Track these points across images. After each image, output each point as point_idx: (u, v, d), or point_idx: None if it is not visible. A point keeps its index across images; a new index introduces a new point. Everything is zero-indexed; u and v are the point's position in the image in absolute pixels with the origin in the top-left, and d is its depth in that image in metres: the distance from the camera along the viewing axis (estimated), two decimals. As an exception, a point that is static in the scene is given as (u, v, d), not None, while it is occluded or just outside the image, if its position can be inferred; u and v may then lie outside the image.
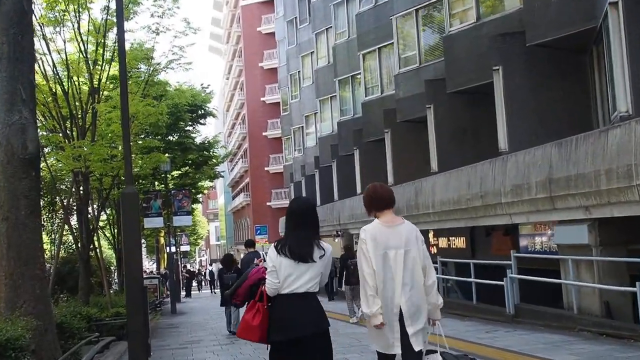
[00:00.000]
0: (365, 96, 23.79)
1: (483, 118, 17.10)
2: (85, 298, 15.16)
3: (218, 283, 20.36)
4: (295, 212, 4.38)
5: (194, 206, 42.16)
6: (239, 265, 14.13)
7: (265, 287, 4.24)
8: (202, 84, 28.52)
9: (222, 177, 38.46)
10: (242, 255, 15.36)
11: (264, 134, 56.76)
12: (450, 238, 19.10)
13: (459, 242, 18.68)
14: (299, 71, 37.02)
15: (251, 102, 58.18)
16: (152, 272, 54.54)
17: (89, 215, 16.41)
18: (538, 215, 11.82)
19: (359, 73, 24.72)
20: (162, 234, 35.77)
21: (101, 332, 13.16)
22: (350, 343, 10.58)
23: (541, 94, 13.63)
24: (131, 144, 16.28)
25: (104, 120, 16.76)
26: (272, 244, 4.40)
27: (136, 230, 7.44)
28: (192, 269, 58.77)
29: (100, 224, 26.49)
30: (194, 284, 48.79)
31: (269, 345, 4.28)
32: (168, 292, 30.07)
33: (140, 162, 20.76)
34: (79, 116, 15.84)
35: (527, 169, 11.76)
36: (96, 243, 16.14)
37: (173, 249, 33.72)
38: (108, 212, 24.93)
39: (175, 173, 27.86)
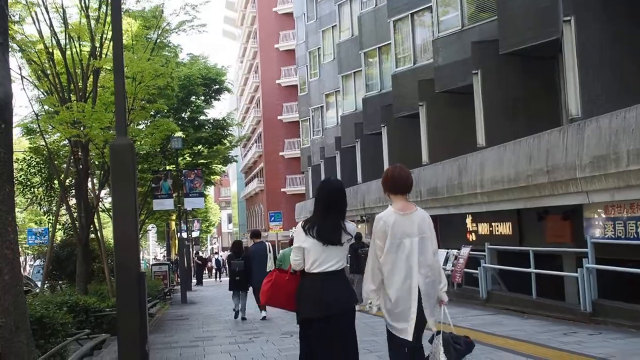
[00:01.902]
0: (396, 67, 21.62)
1: (538, 85, 15.00)
2: (83, 285, 13.25)
3: (227, 270, 18.94)
4: (327, 194, 4.45)
5: (206, 192, 40.27)
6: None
7: (291, 262, 4.49)
8: (215, 64, 26.62)
9: (236, 161, 36.48)
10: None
11: (279, 117, 54.90)
12: (493, 224, 16.99)
13: (504, 228, 16.58)
14: (318, 47, 35.02)
15: (266, 84, 56.24)
16: (163, 256, 53.02)
17: (89, 193, 14.47)
18: (629, 192, 9.67)
19: (389, 43, 22.54)
20: (174, 218, 33.88)
21: (101, 324, 11.48)
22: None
23: (620, 47, 11.44)
24: (135, 109, 14.43)
25: (108, 88, 14.84)
26: (300, 223, 4.50)
27: (130, 194, 5.41)
28: (204, 256, 57.08)
29: (107, 205, 24.72)
30: (205, 271, 47.19)
31: (299, 323, 4.49)
32: (179, 280, 28.23)
33: (147, 137, 18.76)
34: (79, 80, 13.90)
35: (614, 136, 9.61)
36: (97, 224, 14.13)
37: (184, 234, 31.89)
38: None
39: (187, 152, 25.87)
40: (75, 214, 14.47)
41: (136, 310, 5.34)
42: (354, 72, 27.93)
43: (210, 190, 64.20)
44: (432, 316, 4.43)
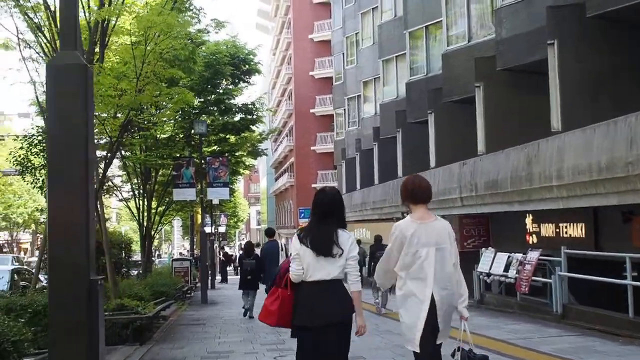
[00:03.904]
0: (447, 46, 19.17)
1: (628, 57, 12.53)
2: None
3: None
4: (321, 204, 4.46)
5: (234, 187, 38.22)
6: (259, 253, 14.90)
7: (290, 274, 4.38)
8: (245, 43, 24.45)
9: (266, 155, 34.47)
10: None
11: (311, 111, 52.79)
12: (560, 224, 14.53)
13: (574, 230, 14.12)
14: (356, 32, 32.88)
15: (299, 76, 54.12)
16: (187, 251, 51.26)
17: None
18: None
19: (439, 20, 20.13)
20: (199, 211, 31.92)
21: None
22: None
23: None
24: (147, 75, 12.31)
25: (123, 59, 12.80)
26: (296, 233, 4.52)
27: (80, 148, 3.19)
28: (230, 253, 55.18)
29: (125, 195, 22.78)
30: (230, 267, 45.23)
31: (293, 331, 4.40)
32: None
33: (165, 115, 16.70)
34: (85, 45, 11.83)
35: None
36: (99, 210, 12.02)
37: (208, 228, 29.87)
38: (135, 181, 21.13)
39: (213, 139, 23.76)
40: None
41: (83, 344, 3.11)
42: (397, 56, 25.61)
43: (240, 185, 62.30)
44: (446, 330, 4.33)
